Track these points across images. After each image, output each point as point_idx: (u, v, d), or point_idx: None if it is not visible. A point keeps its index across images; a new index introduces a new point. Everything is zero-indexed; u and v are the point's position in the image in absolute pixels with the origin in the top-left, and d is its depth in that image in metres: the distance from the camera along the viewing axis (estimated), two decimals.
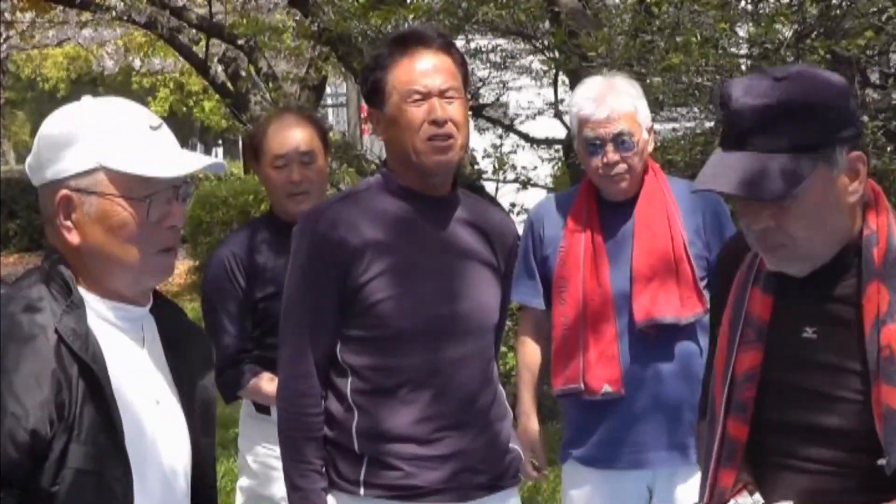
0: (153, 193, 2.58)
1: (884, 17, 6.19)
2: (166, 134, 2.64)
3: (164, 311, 2.78)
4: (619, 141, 4.31)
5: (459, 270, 3.70)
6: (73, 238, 2.58)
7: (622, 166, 4.33)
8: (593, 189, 4.45)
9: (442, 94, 3.57)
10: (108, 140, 2.58)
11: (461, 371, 3.65)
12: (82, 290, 2.58)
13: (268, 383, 4.52)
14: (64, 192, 2.58)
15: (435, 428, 3.62)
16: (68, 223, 2.58)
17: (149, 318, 2.70)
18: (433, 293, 3.65)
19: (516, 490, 3.83)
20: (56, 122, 2.64)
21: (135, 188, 2.57)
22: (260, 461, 4.79)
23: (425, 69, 3.59)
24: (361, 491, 3.62)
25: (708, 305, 4.32)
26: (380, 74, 3.62)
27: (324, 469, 3.62)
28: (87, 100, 2.69)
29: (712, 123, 6.75)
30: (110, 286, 2.61)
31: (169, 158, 2.61)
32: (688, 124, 7.15)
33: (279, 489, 4.07)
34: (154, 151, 2.59)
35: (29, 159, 2.67)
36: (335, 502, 3.66)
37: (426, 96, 3.56)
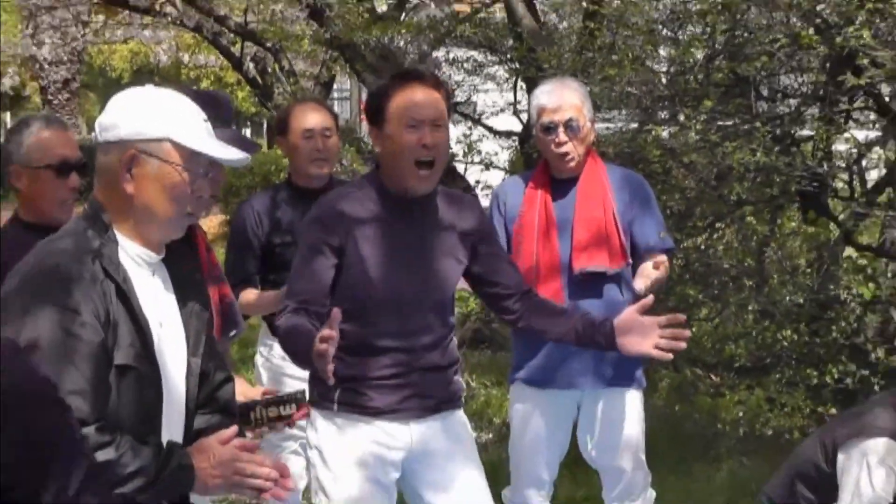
0: (196, 167, 2.65)
1: (776, 46, 6.15)
2: (210, 126, 2.72)
3: (179, 261, 2.80)
4: (569, 125, 4.30)
5: (425, 255, 3.68)
6: (129, 188, 2.62)
7: (570, 145, 4.31)
8: (547, 169, 4.42)
9: (432, 122, 3.55)
10: (176, 120, 2.64)
11: (422, 332, 3.66)
12: (116, 232, 2.64)
13: (243, 296, 4.58)
14: (132, 151, 2.60)
15: (396, 372, 3.64)
16: (128, 176, 2.61)
17: (160, 266, 2.72)
18: (400, 272, 3.63)
19: (460, 410, 3.84)
20: (135, 97, 2.69)
21: (187, 161, 2.63)
22: (270, 366, 4.89)
23: (420, 101, 3.57)
24: (335, 408, 3.66)
25: (630, 261, 4.33)
26: (383, 102, 3.60)
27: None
28: (153, 87, 2.75)
29: (636, 124, 6.71)
30: (142, 232, 2.66)
31: (215, 144, 2.68)
32: (619, 124, 7.09)
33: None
34: (205, 136, 2.67)
35: (103, 120, 2.68)
36: (317, 415, 3.69)
37: (419, 124, 3.53)
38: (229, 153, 2.69)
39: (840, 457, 4.15)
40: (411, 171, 3.56)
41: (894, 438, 4.08)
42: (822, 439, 4.34)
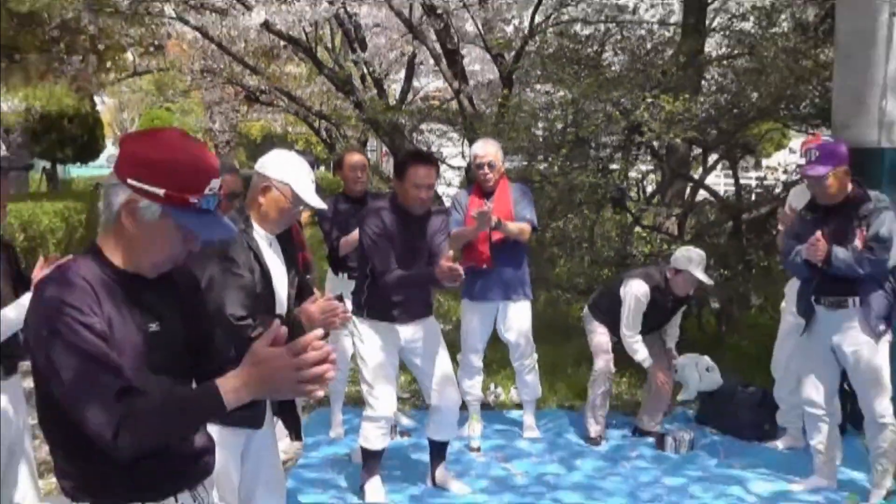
0: (297, 204, 2.53)
1: (599, 120, 6.12)
2: (314, 185, 2.59)
3: (283, 237, 2.63)
4: (490, 165, 4.28)
5: (420, 243, 3.59)
6: (261, 200, 2.53)
7: (491, 176, 4.29)
8: (479, 187, 4.38)
9: (427, 186, 3.48)
10: (297, 176, 2.51)
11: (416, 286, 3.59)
12: (252, 221, 2.55)
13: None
14: (267, 183, 2.51)
15: (401, 300, 3.58)
16: (261, 195, 2.53)
17: (274, 239, 2.60)
18: (407, 251, 3.54)
19: (432, 316, 3.76)
20: (284, 156, 2.57)
21: (294, 199, 2.51)
22: (332, 287, 4.42)
23: (422, 174, 3.46)
24: (365, 314, 3.61)
25: (525, 235, 4.31)
26: (403, 168, 3.50)
27: None
28: (296, 154, 2.60)
29: (526, 162, 6.70)
30: (263, 224, 2.55)
31: (313, 196, 2.54)
32: (516, 163, 7.02)
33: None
34: (310, 189, 2.53)
35: (262, 160, 2.57)
36: (357, 319, 3.59)
37: (420, 187, 3.46)
38: (318, 202, 2.55)
39: (621, 288, 4.35)
40: (414, 205, 3.51)
41: (643, 279, 4.26)
42: (622, 277, 4.47)
